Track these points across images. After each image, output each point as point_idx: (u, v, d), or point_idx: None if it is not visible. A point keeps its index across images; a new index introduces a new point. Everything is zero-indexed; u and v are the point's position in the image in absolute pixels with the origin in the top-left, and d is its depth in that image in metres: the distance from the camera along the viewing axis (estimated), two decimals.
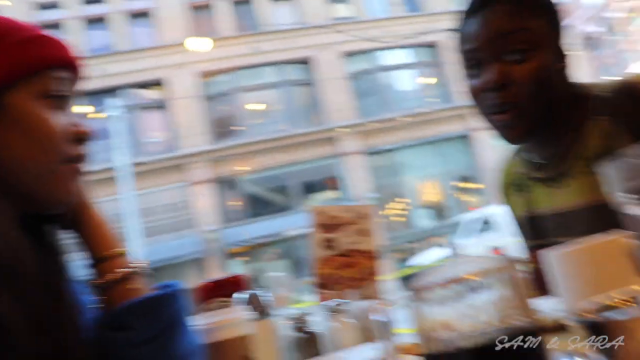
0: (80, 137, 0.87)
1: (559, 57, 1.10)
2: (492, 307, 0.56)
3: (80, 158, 0.87)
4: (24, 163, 0.81)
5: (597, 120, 1.07)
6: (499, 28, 1.05)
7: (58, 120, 0.83)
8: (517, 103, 1.05)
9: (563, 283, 0.64)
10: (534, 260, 1.23)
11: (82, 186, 0.91)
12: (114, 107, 13.99)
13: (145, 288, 0.85)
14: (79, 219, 0.87)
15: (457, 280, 0.56)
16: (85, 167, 0.90)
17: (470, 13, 1.11)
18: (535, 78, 1.03)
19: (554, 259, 0.65)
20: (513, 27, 1.04)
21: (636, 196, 0.48)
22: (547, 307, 0.74)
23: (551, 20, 1.09)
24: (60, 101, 0.86)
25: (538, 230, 1.23)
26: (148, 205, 16.53)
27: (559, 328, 0.67)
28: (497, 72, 1.04)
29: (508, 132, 1.09)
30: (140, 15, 19.41)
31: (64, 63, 0.88)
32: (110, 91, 17.17)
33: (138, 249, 12.59)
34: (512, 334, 0.54)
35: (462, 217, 16.30)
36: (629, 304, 0.59)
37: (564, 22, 1.10)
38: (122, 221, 13.24)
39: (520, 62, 1.04)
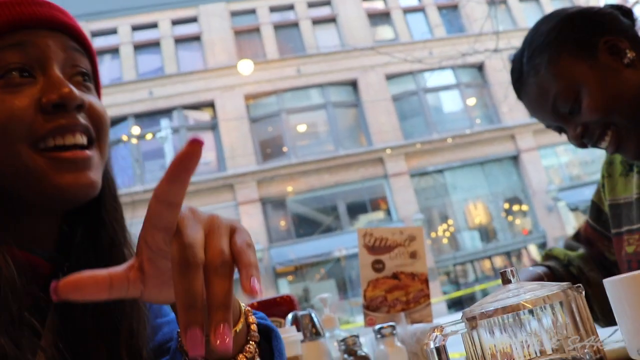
0: (52, 104, 0.65)
1: (609, 63, 1.06)
2: (550, 335, 0.54)
3: (58, 131, 0.65)
4: None
5: None
6: (545, 110, 1.12)
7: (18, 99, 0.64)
8: (607, 129, 1.07)
9: (628, 313, 0.59)
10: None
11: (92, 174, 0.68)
12: (164, 128, 14.27)
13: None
14: None
15: (515, 308, 0.55)
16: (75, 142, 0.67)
17: (517, 95, 1.20)
18: (598, 105, 1.04)
19: (619, 285, 0.61)
20: (551, 101, 1.10)
21: None
22: (614, 338, 0.69)
23: (572, 50, 1.08)
24: (16, 79, 0.65)
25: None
26: None
27: None
28: (571, 130, 1.11)
29: (624, 153, 1.11)
30: (187, 39, 19.92)
31: (24, 22, 0.67)
32: (161, 113, 17.69)
33: None
34: None
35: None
36: None
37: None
38: None
39: (579, 108, 1.07)
